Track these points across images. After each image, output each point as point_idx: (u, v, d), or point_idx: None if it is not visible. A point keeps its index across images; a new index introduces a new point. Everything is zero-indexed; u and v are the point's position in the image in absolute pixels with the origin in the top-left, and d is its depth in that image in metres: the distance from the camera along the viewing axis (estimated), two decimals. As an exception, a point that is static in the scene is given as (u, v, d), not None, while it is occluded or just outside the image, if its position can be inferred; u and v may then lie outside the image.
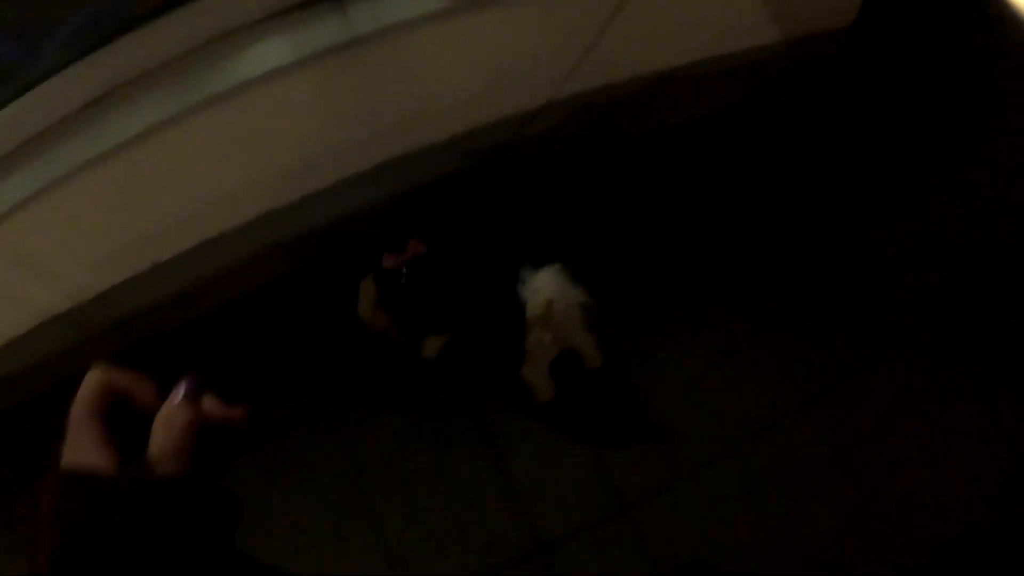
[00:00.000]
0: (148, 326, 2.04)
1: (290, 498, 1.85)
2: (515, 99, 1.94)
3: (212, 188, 1.81)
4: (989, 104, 2.34)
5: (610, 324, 1.96)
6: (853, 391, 1.88)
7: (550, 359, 1.73)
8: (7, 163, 1.63)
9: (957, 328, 1.94)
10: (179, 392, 0.46)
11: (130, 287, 1.91)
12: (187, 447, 0.43)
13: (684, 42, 1.96)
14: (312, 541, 1.80)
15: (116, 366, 0.47)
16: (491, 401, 1.91)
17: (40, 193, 1.61)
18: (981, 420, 1.83)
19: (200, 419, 0.45)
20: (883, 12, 2.23)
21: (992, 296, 1.98)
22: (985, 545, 1.66)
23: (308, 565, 1.76)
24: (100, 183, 1.66)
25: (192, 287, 2.00)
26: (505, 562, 1.73)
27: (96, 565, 0.38)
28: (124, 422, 0.46)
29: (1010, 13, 2.51)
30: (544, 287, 1.51)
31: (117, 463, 0.43)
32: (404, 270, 1.70)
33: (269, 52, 1.64)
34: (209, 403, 0.47)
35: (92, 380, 0.46)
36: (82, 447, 0.44)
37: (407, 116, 1.86)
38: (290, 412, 1.95)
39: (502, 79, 1.87)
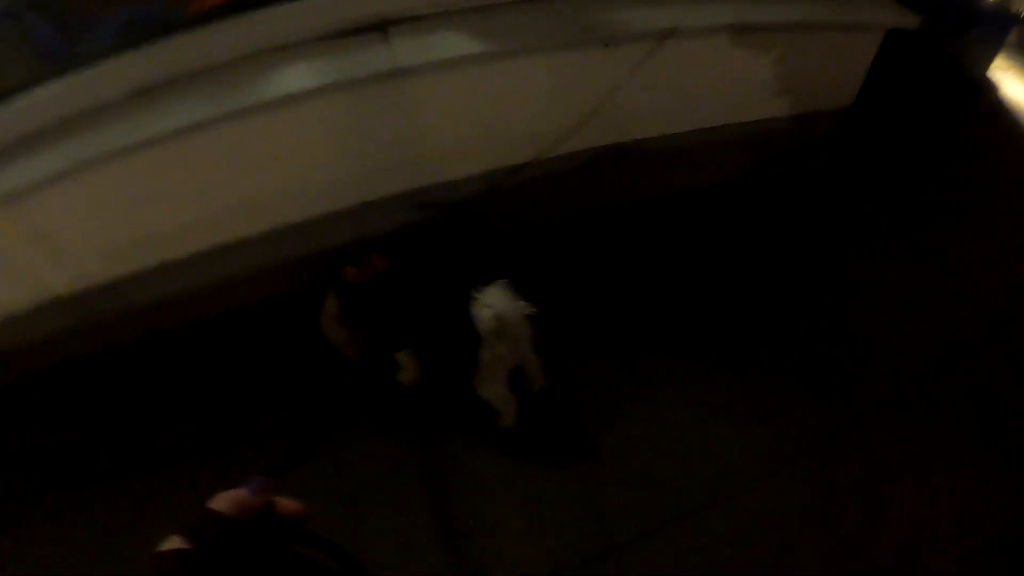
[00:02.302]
0: (147, 323, 2.03)
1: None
2: (532, 147, 2.03)
3: (236, 194, 1.85)
4: (981, 189, 2.47)
5: (610, 372, 2.02)
6: (840, 450, 1.90)
7: (507, 373, 1.75)
8: (38, 140, 1.66)
9: (941, 397, 1.99)
10: (252, 485, 0.64)
11: (137, 281, 1.91)
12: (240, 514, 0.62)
13: (697, 109, 2.10)
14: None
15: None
16: (480, 436, 1.90)
17: (67, 174, 1.63)
18: (961, 486, 1.85)
19: (254, 505, 0.63)
20: (881, 96, 2.42)
21: (976, 369, 2.04)
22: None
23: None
24: (128, 174, 1.68)
25: (197, 291, 2.01)
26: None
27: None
28: None
29: (1005, 104, 2.72)
30: (493, 302, 1.57)
31: None
32: (365, 285, 1.73)
33: (311, 72, 1.72)
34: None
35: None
36: None
37: (431, 150, 1.93)
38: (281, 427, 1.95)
39: (524, 127, 1.97)
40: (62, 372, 2.00)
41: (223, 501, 0.61)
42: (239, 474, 0.67)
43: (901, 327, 2.15)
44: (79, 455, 1.89)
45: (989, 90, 2.80)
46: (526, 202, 2.17)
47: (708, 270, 2.25)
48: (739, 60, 1.97)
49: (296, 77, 1.72)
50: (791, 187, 2.43)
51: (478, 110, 1.87)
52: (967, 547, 1.78)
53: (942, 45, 2.64)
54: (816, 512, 1.81)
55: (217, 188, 1.83)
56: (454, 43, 1.73)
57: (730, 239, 2.32)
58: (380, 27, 1.76)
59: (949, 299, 2.22)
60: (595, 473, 1.86)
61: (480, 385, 1.77)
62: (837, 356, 2.10)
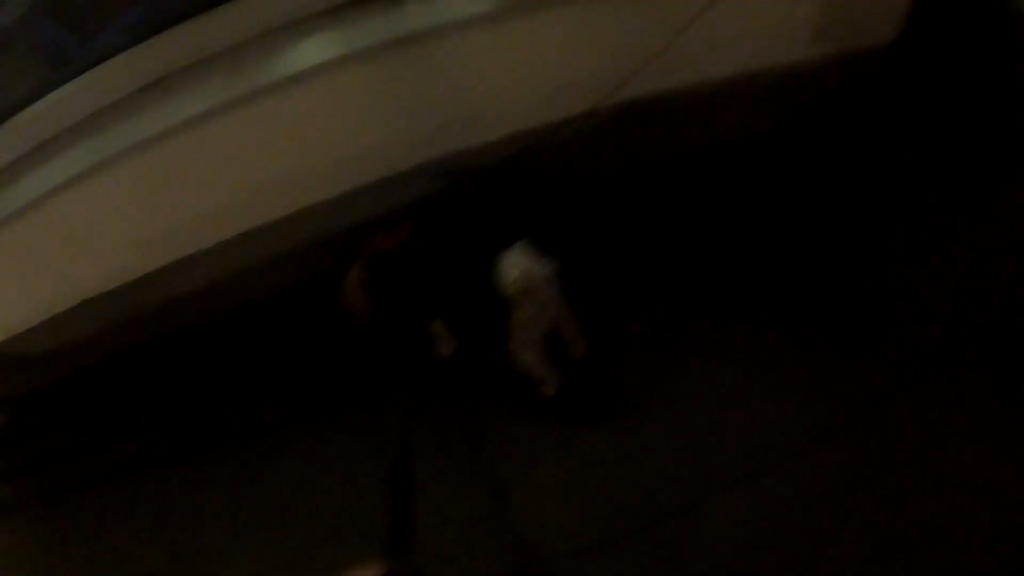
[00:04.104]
0: (186, 314, 1.97)
1: (319, 490, 1.76)
2: (563, 104, 1.87)
3: (259, 177, 1.75)
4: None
5: (651, 336, 1.89)
6: (885, 417, 1.74)
7: (540, 336, 1.65)
8: (59, 142, 1.60)
9: (987, 362, 1.80)
10: None
11: (171, 273, 1.85)
12: None
13: (733, 53, 1.90)
14: (337, 533, 1.71)
15: None
16: (520, 405, 1.80)
17: (90, 172, 1.58)
18: (1008, 453, 1.68)
19: None
20: (923, 34, 2.17)
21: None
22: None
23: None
24: (150, 166, 1.61)
25: (228, 279, 1.93)
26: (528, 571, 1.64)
27: None
28: None
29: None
30: (516, 263, 1.50)
31: None
32: (395, 253, 1.67)
33: (324, 45, 1.59)
34: None
35: None
36: None
37: (453, 116, 1.80)
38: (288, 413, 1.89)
39: (552, 84, 1.82)
40: (104, 368, 1.96)
41: None
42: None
43: (947, 283, 1.96)
44: (122, 449, 1.87)
45: (1032, 24, 2.50)
46: (557, 163, 2.02)
47: (747, 225, 2.08)
48: (774, -2, 1.76)
49: (310, 52, 1.60)
50: (831, 133, 2.22)
51: (499, 70, 1.73)
52: (1013, 518, 1.64)
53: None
54: (863, 482, 1.68)
55: (240, 172, 1.74)
56: (469, 1, 1.56)
57: (769, 192, 2.14)
58: (392, -9, 1.60)
59: (996, 252, 2.00)
60: (640, 441, 1.76)
61: (515, 351, 1.68)
62: (881, 317, 1.92)
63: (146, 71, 1.61)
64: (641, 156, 2.11)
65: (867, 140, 2.23)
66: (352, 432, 1.83)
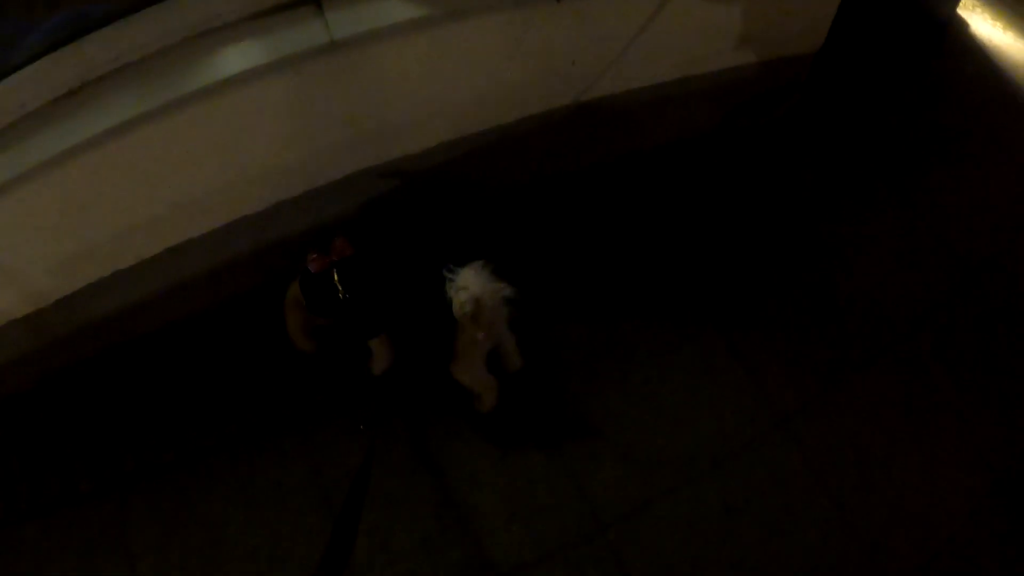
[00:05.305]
0: (109, 335, 1.85)
1: (255, 520, 1.65)
2: (489, 114, 1.83)
3: (180, 192, 1.65)
4: (955, 131, 2.30)
5: (589, 344, 1.86)
6: (830, 407, 1.77)
7: (483, 356, 1.58)
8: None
9: (930, 346, 1.86)
10: None
11: (91, 293, 1.72)
12: None
13: (660, 62, 1.89)
14: (276, 564, 1.61)
15: None
16: (459, 421, 1.75)
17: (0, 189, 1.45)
18: (958, 433, 1.73)
19: None
20: (851, 39, 2.21)
21: (963, 315, 1.91)
22: (967, 558, 1.57)
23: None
24: (64, 182, 1.49)
25: (155, 297, 1.81)
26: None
27: None
28: None
29: (974, 43, 2.53)
30: (469, 285, 1.40)
31: None
32: (335, 273, 1.54)
33: (245, 53, 1.52)
34: None
35: None
36: None
37: (382, 126, 1.73)
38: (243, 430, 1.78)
39: (484, 91, 1.76)
40: (20, 398, 1.82)
41: None
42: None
43: (884, 276, 2.00)
44: (51, 480, 1.72)
45: (958, 29, 2.59)
46: (489, 172, 1.97)
47: (682, 230, 2.07)
48: (701, 6, 1.76)
49: (229, 61, 1.51)
50: (762, 138, 2.24)
51: (426, 79, 1.67)
52: (966, 498, 1.66)
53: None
54: (811, 474, 1.67)
55: (159, 187, 1.63)
56: (392, 9, 1.51)
57: (703, 196, 2.14)
58: (314, -1, 1.54)
59: (931, 245, 2.06)
60: (579, 452, 1.71)
61: (457, 371, 1.61)
62: (821, 310, 1.94)
63: (60, 81, 1.49)
64: (573, 164, 2.08)
65: (795, 145, 2.26)
66: (287, 458, 1.73)
